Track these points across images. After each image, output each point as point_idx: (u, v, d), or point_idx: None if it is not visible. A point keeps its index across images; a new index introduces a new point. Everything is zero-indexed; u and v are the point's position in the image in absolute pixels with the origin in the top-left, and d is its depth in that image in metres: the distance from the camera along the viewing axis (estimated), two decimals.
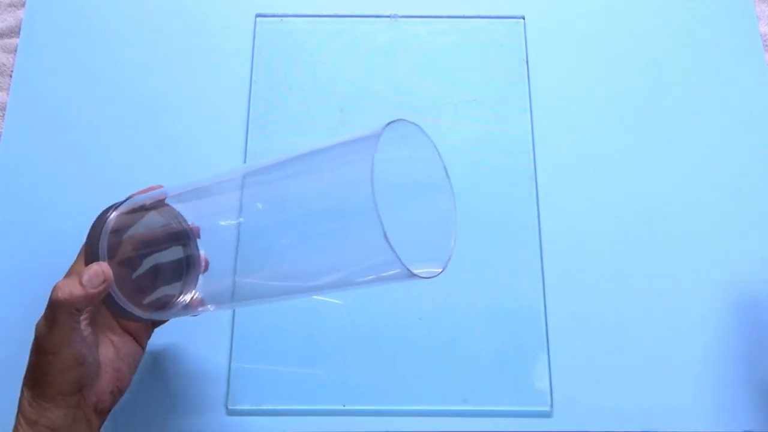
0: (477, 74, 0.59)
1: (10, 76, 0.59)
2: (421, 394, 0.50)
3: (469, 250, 0.54)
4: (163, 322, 0.44)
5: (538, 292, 0.53)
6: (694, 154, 0.57)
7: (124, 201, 0.40)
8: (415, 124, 0.35)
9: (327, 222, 0.37)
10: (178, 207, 0.41)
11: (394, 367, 0.51)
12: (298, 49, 0.60)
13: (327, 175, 0.36)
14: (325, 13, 0.61)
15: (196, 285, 0.41)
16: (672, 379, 0.50)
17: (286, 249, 0.38)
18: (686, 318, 0.52)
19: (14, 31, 0.61)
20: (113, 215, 0.38)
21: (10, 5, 0.63)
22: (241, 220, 0.39)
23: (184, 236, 0.41)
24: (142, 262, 0.40)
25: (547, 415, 0.50)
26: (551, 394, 0.50)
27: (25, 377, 0.37)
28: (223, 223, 0.40)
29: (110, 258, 0.37)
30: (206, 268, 0.41)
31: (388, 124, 0.33)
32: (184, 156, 0.56)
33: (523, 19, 0.61)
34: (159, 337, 0.52)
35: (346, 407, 0.50)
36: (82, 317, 0.36)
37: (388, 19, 0.61)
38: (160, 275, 0.41)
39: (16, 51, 0.60)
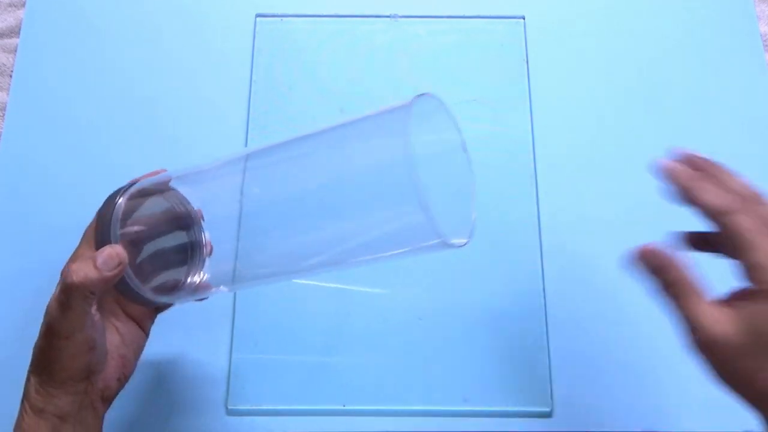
0: (477, 74, 0.59)
1: (10, 76, 0.59)
2: (421, 394, 0.50)
3: (469, 250, 0.53)
4: (168, 306, 0.43)
5: (538, 293, 0.53)
6: None
7: (130, 185, 0.40)
8: (438, 99, 0.36)
9: (356, 192, 0.36)
10: (184, 190, 0.40)
11: (394, 367, 0.51)
12: (298, 49, 0.60)
13: (357, 146, 0.36)
14: (325, 13, 0.61)
15: (202, 268, 0.41)
16: (672, 380, 0.50)
17: (310, 220, 0.38)
18: None
19: (14, 31, 0.61)
20: (122, 200, 0.38)
21: (10, 5, 0.63)
22: (257, 191, 0.38)
23: (188, 220, 0.41)
24: (145, 247, 0.40)
25: (547, 415, 0.50)
26: (551, 395, 0.50)
27: (33, 364, 0.37)
28: (235, 201, 0.39)
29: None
30: (211, 252, 0.41)
31: (417, 97, 0.34)
32: (184, 156, 0.56)
33: (523, 19, 0.61)
34: (159, 338, 0.52)
35: (346, 407, 0.50)
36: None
37: (388, 19, 0.61)
38: (164, 260, 0.41)
39: (16, 51, 0.60)
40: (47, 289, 0.36)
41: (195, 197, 0.41)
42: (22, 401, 0.37)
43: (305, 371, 0.50)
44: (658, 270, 0.34)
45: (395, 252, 0.36)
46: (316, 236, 0.37)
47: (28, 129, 0.58)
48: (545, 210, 0.55)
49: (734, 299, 0.33)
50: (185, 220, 0.41)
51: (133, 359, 0.41)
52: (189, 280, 0.40)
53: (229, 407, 0.50)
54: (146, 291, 0.38)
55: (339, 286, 0.53)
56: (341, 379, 0.50)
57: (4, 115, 0.58)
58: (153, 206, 0.40)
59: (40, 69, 0.60)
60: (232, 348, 0.51)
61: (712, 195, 0.34)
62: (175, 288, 0.40)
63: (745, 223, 0.33)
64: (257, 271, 0.40)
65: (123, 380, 0.40)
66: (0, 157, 0.57)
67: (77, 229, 0.40)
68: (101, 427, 0.39)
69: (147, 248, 0.40)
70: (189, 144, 0.57)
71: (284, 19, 0.61)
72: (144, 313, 0.42)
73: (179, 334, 0.51)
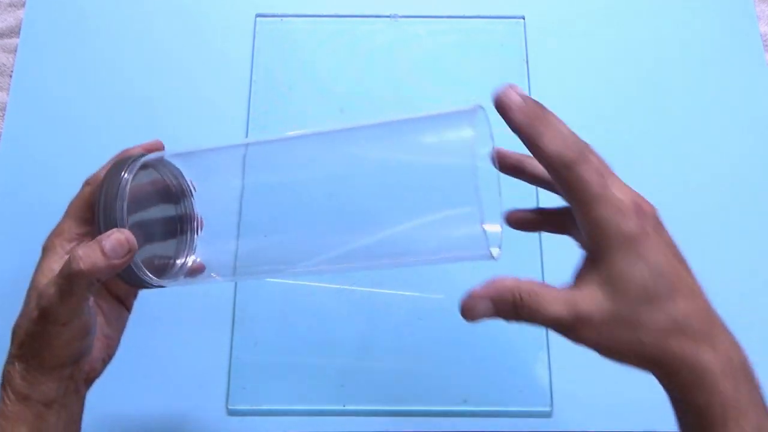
0: (477, 74, 0.59)
1: (10, 76, 0.59)
2: (421, 394, 0.50)
3: None
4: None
5: None
6: (694, 154, 0.57)
7: (132, 159, 0.37)
8: (485, 112, 0.34)
9: (406, 193, 0.35)
10: (186, 165, 0.39)
11: (394, 367, 0.51)
12: (298, 49, 0.60)
13: (413, 144, 0.35)
14: (325, 13, 0.61)
15: (193, 244, 0.38)
16: None
17: (329, 219, 0.36)
18: None
19: (14, 31, 0.61)
20: (129, 176, 0.35)
21: (10, 5, 0.63)
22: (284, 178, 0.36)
23: (179, 192, 0.38)
24: (130, 217, 0.36)
25: (547, 415, 0.50)
26: (551, 395, 0.50)
27: (18, 348, 0.34)
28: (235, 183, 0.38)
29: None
30: (202, 227, 0.39)
31: (478, 107, 0.33)
32: None
33: (523, 19, 0.61)
34: (160, 338, 0.52)
35: (346, 407, 0.50)
36: None
37: (388, 19, 0.61)
38: (149, 232, 0.38)
39: (16, 51, 0.60)
40: None
41: (196, 173, 0.39)
42: (3, 387, 0.35)
43: (305, 371, 0.50)
44: (495, 307, 0.31)
45: (429, 258, 0.35)
46: (335, 235, 0.36)
47: (28, 129, 0.58)
48: None
49: (582, 274, 0.31)
50: (175, 193, 0.39)
51: (117, 338, 0.39)
52: (181, 258, 0.38)
53: (229, 407, 0.50)
54: (151, 277, 0.36)
55: (339, 286, 0.53)
56: (341, 379, 0.50)
57: (4, 115, 0.58)
58: (142, 176, 0.38)
59: (40, 69, 0.60)
60: (232, 348, 0.51)
61: (558, 143, 0.30)
62: (166, 268, 0.38)
63: (588, 174, 0.30)
64: (258, 267, 0.39)
65: (107, 360, 0.38)
66: (0, 157, 0.57)
67: None
68: (83, 409, 0.37)
69: (132, 218, 0.36)
70: (189, 144, 0.57)
71: (284, 19, 0.61)
72: (128, 290, 0.40)
73: (179, 334, 0.51)
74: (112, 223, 0.34)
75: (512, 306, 0.31)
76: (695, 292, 0.31)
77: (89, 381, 0.38)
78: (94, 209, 0.36)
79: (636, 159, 0.57)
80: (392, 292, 0.53)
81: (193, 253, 0.39)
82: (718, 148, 0.57)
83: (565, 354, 0.51)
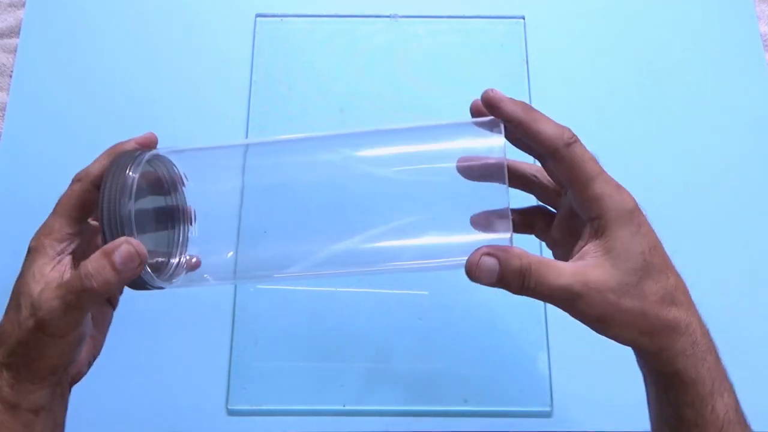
0: (477, 74, 0.59)
1: (10, 76, 0.59)
2: (421, 395, 0.50)
3: None
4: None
5: None
6: (694, 154, 0.57)
7: (132, 155, 0.35)
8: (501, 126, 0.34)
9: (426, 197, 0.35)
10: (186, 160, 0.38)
11: (394, 367, 0.51)
12: (298, 49, 0.60)
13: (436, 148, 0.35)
14: (325, 13, 0.61)
15: (186, 238, 0.37)
16: None
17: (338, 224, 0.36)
18: None
19: (14, 31, 0.61)
20: (135, 176, 0.33)
21: (10, 5, 0.63)
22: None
23: (169, 186, 0.37)
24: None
25: (547, 415, 0.50)
26: (551, 394, 0.50)
27: (7, 358, 0.33)
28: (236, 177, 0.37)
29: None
30: (195, 221, 0.37)
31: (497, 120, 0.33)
32: None
33: (523, 19, 0.61)
34: (160, 338, 0.52)
35: (346, 407, 0.50)
36: None
37: (388, 19, 0.61)
38: (145, 229, 0.36)
39: (16, 51, 0.60)
40: None
41: (194, 171, 0.38)
42: None
43: (305, 371, 0.50)
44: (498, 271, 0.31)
45: (442, 262, 0.35)
46: (340, 239, 0.35)
47: (28, 129, 0.58)
48: None
49: (583, 249, 0.32)
50: (167, 186, 0.37)
51: (103, 338, 0.38)
52: (176, 253, 0.37)
53: (229, 407, 0.50)
54: (154, 278, 0.34)
55: (338, 287, 0.53)
56: (341, 379, 0.50)
57: (4, 115, 0.58)
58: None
59: (40, 69, 0.60)
60: (232, 348, 0.51)
61: (553, 125, 0.32)
62: (164, 264, 0.36)
63: (585, 153, 0.31)
64: (257, 270, 0.38)
65: (92, 361, 0.37)
66: (0, 157, 0.57)
67: None
68: (66, 412, 0.36)
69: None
70: (189, 144, 0.57)
71: (284, 19, 0.61)
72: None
73: (179, 334, 0.51)
74: (117, 227, 0.32)
75: (519, 275, 0.31)
76: (673, 267, 0.33)
77: (74, 383, 0.37)
78: (85, 208, 0.35)
79: (636, 159, 0.57)
80: (392, 292, 0.53)
81: (187, 245, 0.37)
82: (718, 148, 0.57)
83: (565, 354, 0.51)
